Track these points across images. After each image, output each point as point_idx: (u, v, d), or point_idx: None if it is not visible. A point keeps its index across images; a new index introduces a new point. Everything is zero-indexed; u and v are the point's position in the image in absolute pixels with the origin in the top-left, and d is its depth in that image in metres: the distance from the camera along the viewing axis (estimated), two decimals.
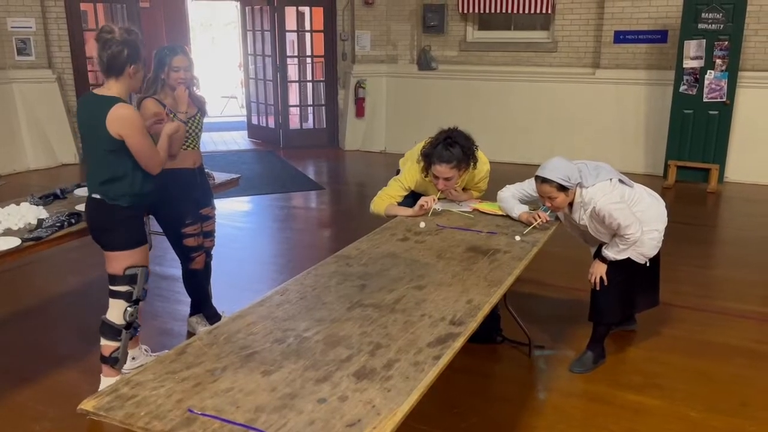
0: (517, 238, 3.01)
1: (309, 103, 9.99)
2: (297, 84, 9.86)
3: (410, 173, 3.47)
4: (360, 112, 9.05)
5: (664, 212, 3.22)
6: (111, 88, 2.73)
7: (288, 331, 2.06)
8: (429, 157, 3.26)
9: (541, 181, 2.98)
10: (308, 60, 9.96)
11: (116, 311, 2.89)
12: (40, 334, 3.70)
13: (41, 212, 3.23)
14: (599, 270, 3.13)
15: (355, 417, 1.59)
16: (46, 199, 3.51)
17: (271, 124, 9.59)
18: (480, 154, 3.45)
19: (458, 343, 1.99)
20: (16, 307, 4.04)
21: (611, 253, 3.07)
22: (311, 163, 8.61)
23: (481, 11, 8.36)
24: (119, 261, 2.83)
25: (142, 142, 2.71)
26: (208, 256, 3.63)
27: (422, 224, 3.17)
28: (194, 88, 3.37)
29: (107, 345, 2.93)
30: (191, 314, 3.70)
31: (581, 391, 3.06)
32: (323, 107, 9.60)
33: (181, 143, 3.24)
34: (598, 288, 3.14)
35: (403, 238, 3.02)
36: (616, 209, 2.94)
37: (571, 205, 3.07)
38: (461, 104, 8.44)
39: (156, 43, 9.48)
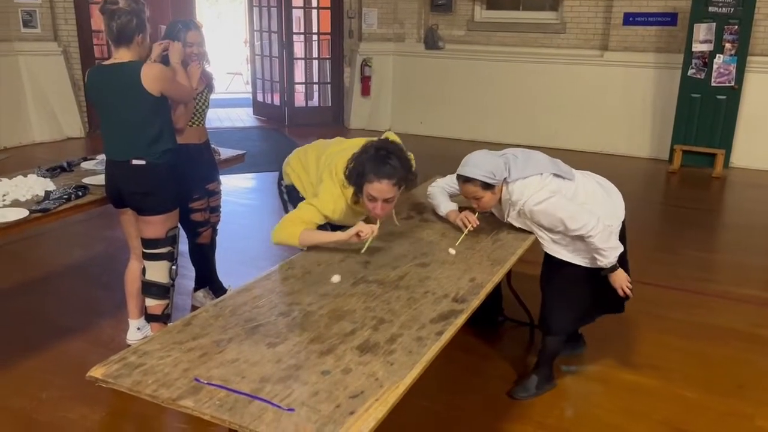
0: (451, 251, 2.59)
1: (314, 81, 9.95)
2: (303, 61, 9.81)
3: (331, 197, 2.57)
4: (366, 91, 9.02)
5: (620, 205, 2.78)
6: (123, 57, 2.80)
7: (293, 304, 2.09)
8: (361, 176, 2.44)
9: (464, 180, 2.63)
10: (314, 37, 9.90)
11: (161, 272, 3.04)
12: (45, 306, 3.75)
13: (48, 184, 3.26)
14: (620, 279, 2.64)
15: (358, 389, 1.62)
16: (53, 172, 3.52)
17: (277, 101, 9.57)
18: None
19: (460, 319, 2.02)
20: (22, 279, 4.09)
21: (606, 260, 2.58)
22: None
23: None
24: (163, 224, 2.98)
25: (179, 85, 2.99)
26: (214, 231, 3.66)
27: (335, 278, 2.30)
28: (205, 64, 3.38)
29: (158, 304, 3.08)
30: (196, 289, 3.75)
31: (578, 370, 3.10)
32: (329, 85, 9.57)
33: (190, 117, 3.25)
34: (631, 295, 2.69)
35: (407, 217, 3.03)
36: (551, 206, 2.54)
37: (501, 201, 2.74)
38: (467, 84, 8.41)
39: (161, 17, 9.42)
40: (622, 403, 2.83)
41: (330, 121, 9.42)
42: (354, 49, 9.03)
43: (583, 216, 2.53)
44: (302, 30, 9.86)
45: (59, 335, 3.36)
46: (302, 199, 2.81)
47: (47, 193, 3.13)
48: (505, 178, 2.62)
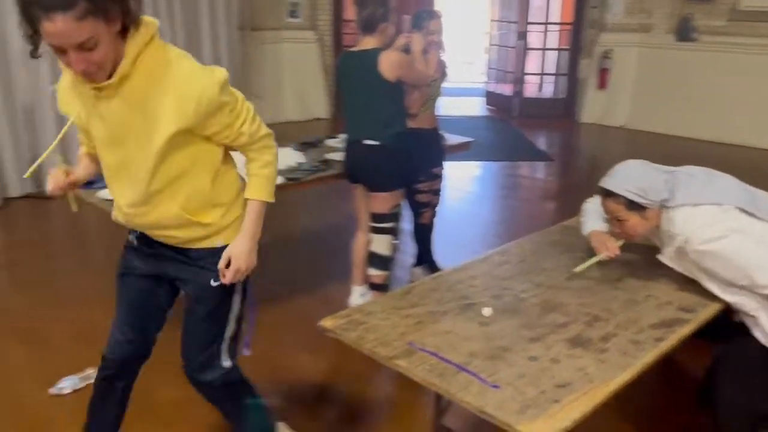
0: (576, 269, 2.23)
1: (549, 72, 9.73)
2: (539, 52, 9.65)
3: (62, 78, 1.74)
4: (602, 84, 8.59)
5: None
6: (368, 44, 3.05)
7: (506, 289, 2.13)
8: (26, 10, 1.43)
9: (605, 194, 2.10)
10: (553, 27, 9.67)
11: (384, 245, 3.28)
12: (284, 265, 4.25)
13: (300, 157, 3.69)
14: None
15: (565, 380, 1.61)
16: (304, 147, 3.97)
17: (508, 91, 9.56)
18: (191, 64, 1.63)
19: (686, 329, 1.88)
20: (266, 240, 4.64)
21: None
22: (543, 134, 8.44)
23: None
24: (388, 201, 3.20)
25: (415, 71, 3.15)
26: (434, 212, 3.83)
27: (486, 311, 1.97)
28: (441, 52, 3.53)
29: (379, 274, 3.33)
30: (415, 265, 3.96)
31: None
32: (563, 77, 9.29)
33: (423, 103, 3.43)
34: None
35: None
36: (726, 247, 1.89)
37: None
38: (723, 80, 7.57)
39: (404, 6, 9.93)
40: None
41: (561, 113, 9.15)
42: (594, 40, 8.64)
43: None
44: (542, 20, 9.69)
45: (293, 292, 3.80)
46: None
47: (299, 165, 3.55)
48: (663, 202, 2.05)
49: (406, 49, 3.28)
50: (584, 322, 1.92)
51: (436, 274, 2.29)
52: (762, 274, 1.86)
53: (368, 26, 3.06)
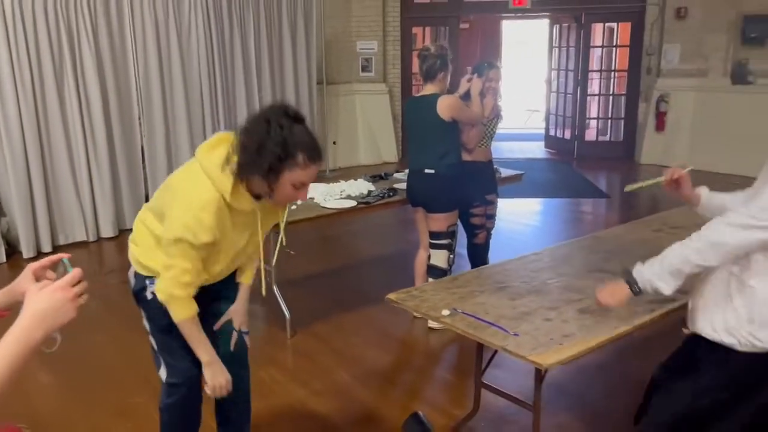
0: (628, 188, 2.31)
1: (607, 116, 10.15)
2: (597, 97, 10.10)
3: (202, 204, 1.90)
4: (660, 126, 8.94)
5: None
6: (429, 90, 3.68)
7: (535, 278, 2.64)
8: (284, 159, 1.85)
9: None
10: (612, 74, 10.13)
11: (441, 258, 3.86)
12: (358, 281, 4.86)
13: (371, 186, 4.34)
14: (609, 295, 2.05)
15: (570, 332, 2.11)
16: (374, 179, 4.63)
17: (568, 135, 10.02)
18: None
19: (676, 304, 2.33)
20: (345, 261, 5.32)
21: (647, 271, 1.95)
22: (603, 174, 8.82)
23: None
24: (444, 221, 3.79)
25: (467, 112, 3.71)
26: (489, 234, 4.35)
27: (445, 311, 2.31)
28: (497, 98, 4.11)
29: None
30: None
31: None
32: (621, 120, 9.69)
33: (479, 140, 4.01)
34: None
35: (657, 229, 3.32)
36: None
37: None
38: None
39: (471, 58, 10.68)
40: None
41: (620, 155, 9.51)
42: (651, 86, 9.04)
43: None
44: (599, 68, 10.18)
45: (365, 302, 4.38)
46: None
47: (369, 192, 4.19)
48: None
49: (467, 93, 3.87)
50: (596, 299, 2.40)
51: (478, 268, 2.83)
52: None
53: (429, 75, 3.71)
